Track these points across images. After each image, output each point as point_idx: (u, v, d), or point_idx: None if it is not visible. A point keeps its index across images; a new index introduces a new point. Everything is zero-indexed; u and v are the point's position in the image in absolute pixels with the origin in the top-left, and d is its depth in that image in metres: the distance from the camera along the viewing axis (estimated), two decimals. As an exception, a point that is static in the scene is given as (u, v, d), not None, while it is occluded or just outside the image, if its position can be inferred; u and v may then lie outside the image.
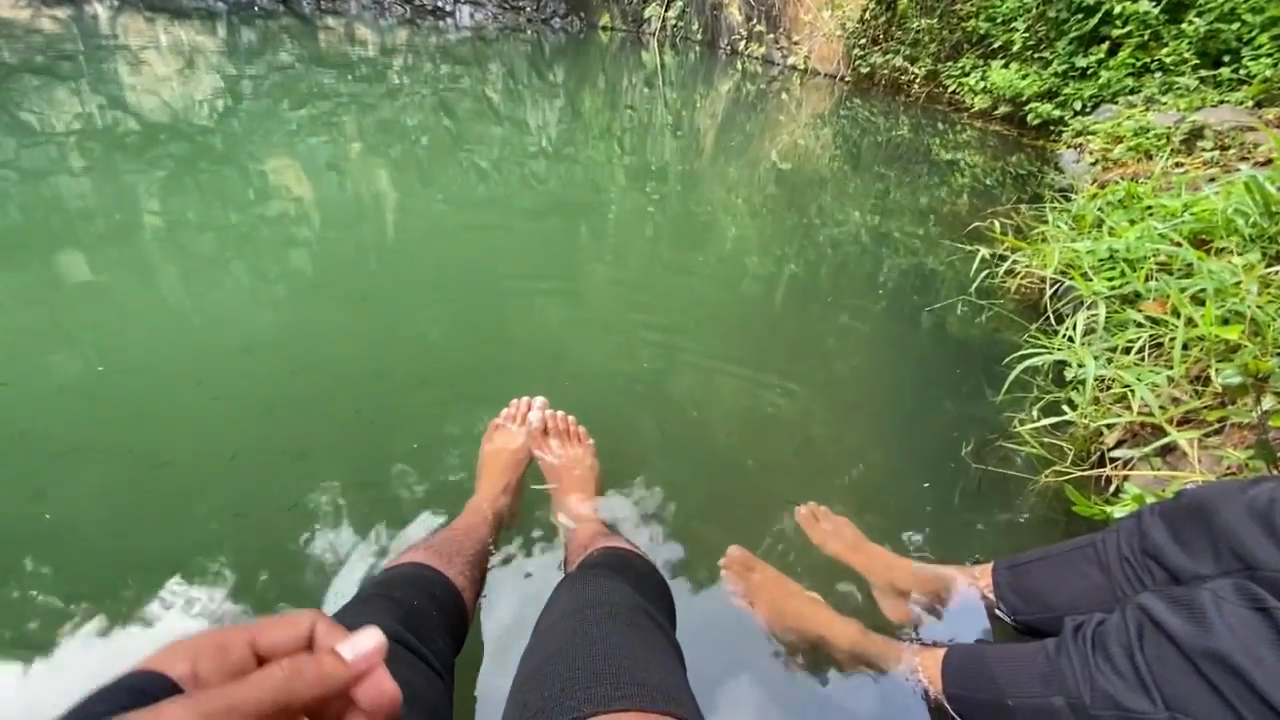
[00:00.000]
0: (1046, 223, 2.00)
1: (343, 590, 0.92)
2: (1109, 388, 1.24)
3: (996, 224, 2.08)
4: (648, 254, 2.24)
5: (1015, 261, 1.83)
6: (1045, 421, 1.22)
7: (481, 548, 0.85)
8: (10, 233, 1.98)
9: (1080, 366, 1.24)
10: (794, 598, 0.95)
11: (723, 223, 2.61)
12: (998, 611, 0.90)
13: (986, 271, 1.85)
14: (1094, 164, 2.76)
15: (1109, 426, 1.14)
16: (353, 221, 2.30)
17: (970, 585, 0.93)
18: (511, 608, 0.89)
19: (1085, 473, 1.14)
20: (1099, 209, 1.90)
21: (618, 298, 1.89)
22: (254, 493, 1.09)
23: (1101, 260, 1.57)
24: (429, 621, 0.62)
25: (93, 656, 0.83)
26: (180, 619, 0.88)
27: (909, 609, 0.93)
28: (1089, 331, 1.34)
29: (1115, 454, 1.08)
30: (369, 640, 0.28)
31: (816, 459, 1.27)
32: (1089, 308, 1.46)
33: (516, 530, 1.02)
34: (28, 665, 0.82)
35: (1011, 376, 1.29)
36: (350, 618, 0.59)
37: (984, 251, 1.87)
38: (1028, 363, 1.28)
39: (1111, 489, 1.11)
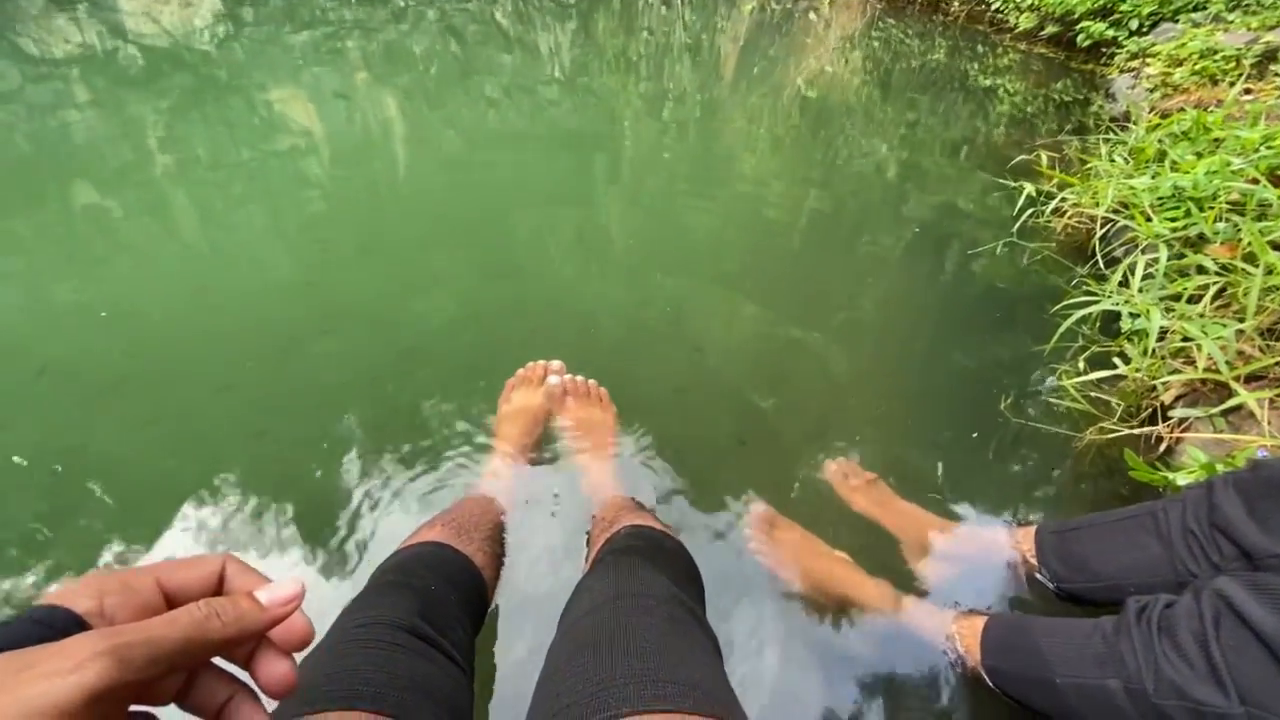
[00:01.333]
0: (1097, 156, 1.82)
1: (360, 529, 0.91)
2: (1162, 337, 1.14)
3: (1043, 156, 1.90)
4: (664, 189, 2.10)
5: (1064, 199, 1.68)
6: (1093, 375, 1.12)
7: (499, 519, 0.81)
8: (23, 170, 1.91)
9: (1136, 317, 1.13)
10: (821, 557, 0.90)
11: (744, 155, 2.44)
12: (1039, 576, 0.84)
13: (1033, 210, 1.70)
14: (1152, 90, 2.51)
15: (1164, 383, 1.05)
16: (362, 155, 2.18)
17: (1011, 548, 0.87)
18: (530, 581, 0.84)
19: (1134, 430, 1.06)
20: (1160, 141, 1.72)
21: (632, 235, 1.78)
22: (272, 429, 1.08)
23: (1163, 198, 1.42)
24: (448, 608, 0.58)
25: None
26: (203, 546, 0.89)
27: (943, 571, 0.88)
28: (1146, 278, 1.22)
29: (1174, 413, 0.99)
30: (287, 588, 0.27)
31: (842, 409, 1.20)
32: (1144, 251, 1.33)
33: (535, 498, 0.96)
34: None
35: (1064, 327, 1.19)
36: (368, 607, 0.54)
37: (1029, 188, 1.71)
38: (1082, 312, 1.17)
39: (1161, 448, 1.03)
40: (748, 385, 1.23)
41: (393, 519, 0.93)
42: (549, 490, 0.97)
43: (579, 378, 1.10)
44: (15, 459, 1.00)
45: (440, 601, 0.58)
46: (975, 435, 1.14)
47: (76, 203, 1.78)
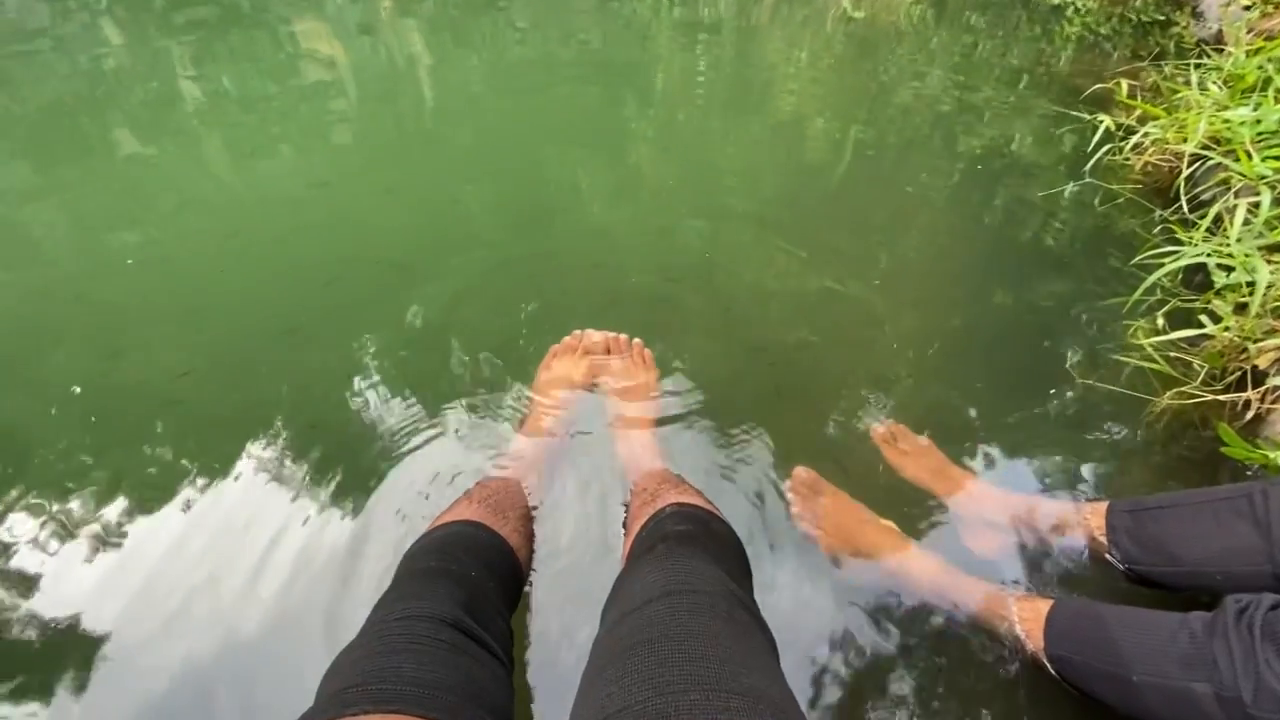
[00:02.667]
0: (1182, 85, 1.59)
1: (390, 473, 0.90)
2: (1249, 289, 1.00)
3: (1124, 84, 1.68)
4: (698, 122, 1.94)
5: (1145, 134, 1.48)
6: (1176, 335, 1.00)
7: (530, 496, 0.76)
8: (59, 110, 1.85)
9: (1230, 270, 0.99)
10: (867, 525, 0.84)
11: (783, 84, 2.23)
12: (1109, 557, 0.77)
13: (1110, 146, 1.51)
14: (1248, 8, 2.18)
15: (1260, 346, 0.92)
16: (388, 90, 2.06)
17: (1077, 525, 0.79)
18: (563, 556, 0.79)
19: (1219, 396, 0.94)
20: (1262, 66, 1.48)
21: (664, 171, 1.66)
22: (303, 365, 1.08)
23: (1267, 134, 1.23)
24: (489, 597, 0.54)
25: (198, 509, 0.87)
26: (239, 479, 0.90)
27: (1001, 546, 0.81)
28: (1244, 224, 1.06)
29: (1272, 380, 0.88)
30: None
31: (889, 364, 1.10)
32: (1240, 194, 1.16)
33: (570, 466, 0.90)
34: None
35: (1151, 279, 1.05)
36: (410, 598, 0.50)
37: (1107, 120, 1.51)
38: (1172, 265, 1.03)
39: (1249, 416, 0.91)
40: (784, 333, 1.14)
41: (417, 466, 0.91)
42: (585, 458, 0.91)
43: (622, 335, 1.03)
44: (75, 389, 1.03)
45: (481, 591, 0.53)
46: (1035, 396, 1.04)
47: (113, 145, 1.73)
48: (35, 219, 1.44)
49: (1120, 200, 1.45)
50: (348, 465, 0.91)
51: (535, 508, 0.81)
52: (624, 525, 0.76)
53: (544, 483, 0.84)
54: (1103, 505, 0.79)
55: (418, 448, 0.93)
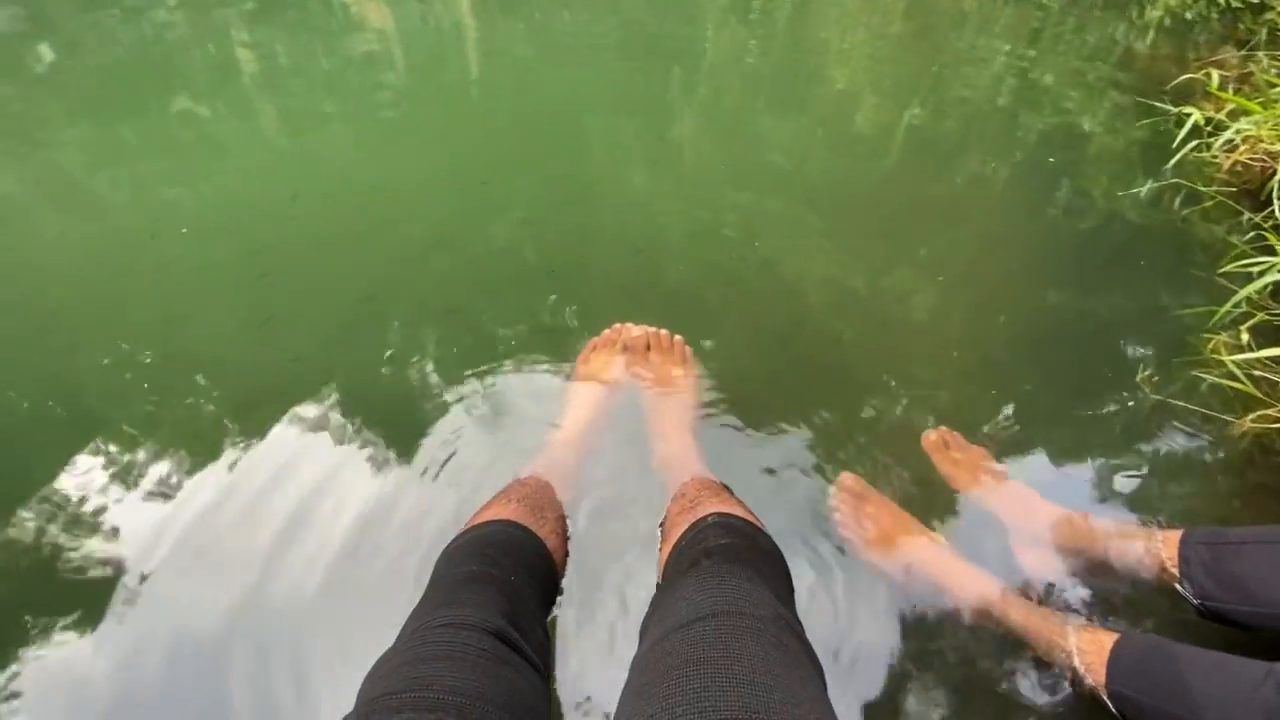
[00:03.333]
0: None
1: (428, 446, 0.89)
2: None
3: (1214, 74, 1.54)
4: (745, 100, 1.87)
5: (1237, 130, 1.36)
6: (1265, 353, 0.92)
7: (565, 496, 0.74)
8: (128, 81, 1.88)
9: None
10: (914, 538, 0.80)
11: (836, 64, 2.12)
12: (1179, 589, 0.71)
13: (1197, 142, 1.39)
14: (1360, -10, 1.97)
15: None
16: (435, 63, 2.04)
17: (1146, 553, 0.74)
18: (597, 561, 0.76)
19: (1310, 422, 0.86)
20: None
21: (708, 150, 1.60)
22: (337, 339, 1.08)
23: (1383, 133, 1.11)
24: (529, 604, 0.53)
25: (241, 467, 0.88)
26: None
27: (1060, 571, 0.76)
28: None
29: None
30: None
31: (941, 367, 1.04)
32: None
33: (605, 467, 0.87)
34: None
35: (1245, 292, 0.97)
36: (451, 604, 0.49)
37: (1196, 114, 1.39)
38: (1270, 278, 0.95)
39: (1342, 445, 0.84)
40: (829, 328, 1.09)
41: (466, 451, 0.90)
42: (620, 457, 0.88)
43: (663, 331, 0.99)
44: (123, 345, 1.05)
45: (522, 597, 0.52)
46: (1097, 408, 0.97)
47: (172, 108, 1.76)
48: (99, 178, 1.48)
49: (1206, 202, 1.33)
50: (392, 435, 0.91)
51: (567, 510, 0.79)
52: (660, 529, 0.74)
53: (579, 482, 0.82)
54: (1175, 534, 0.73)
55: (458, 428, 0.92)
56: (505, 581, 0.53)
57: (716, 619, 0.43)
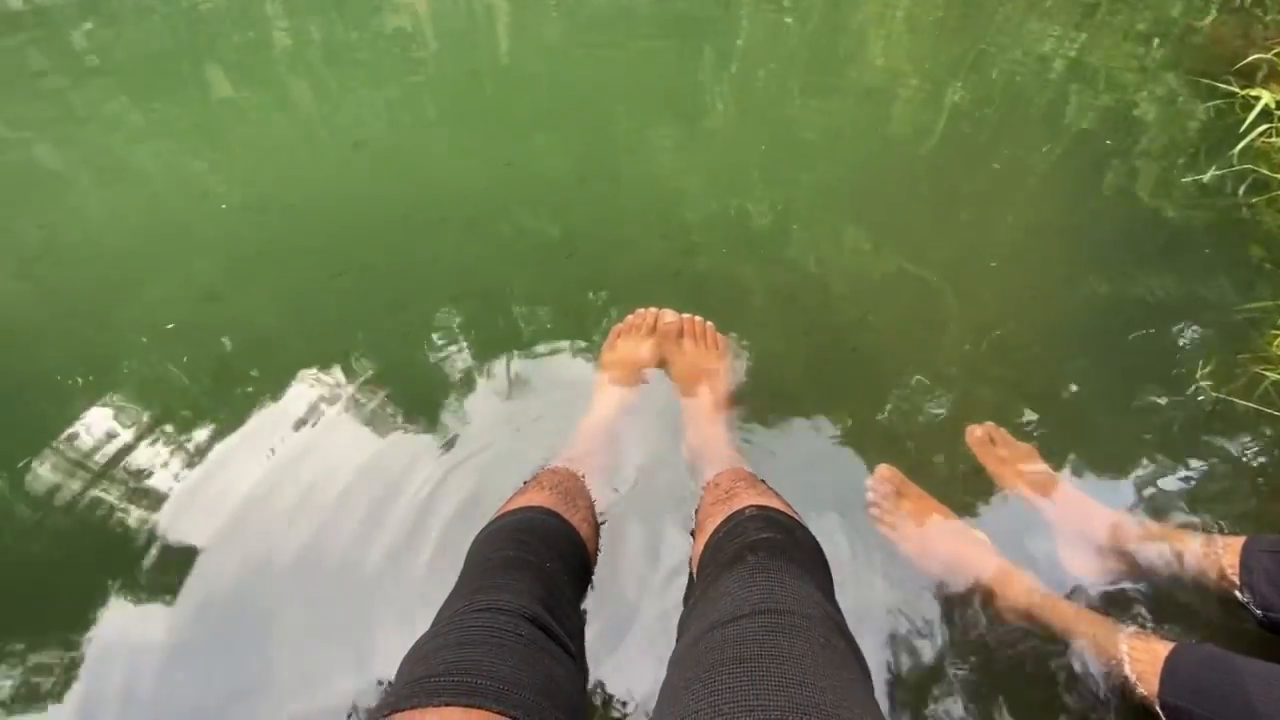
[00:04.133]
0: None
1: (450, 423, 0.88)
2: None
3: (1288, 55, 1.44)
4: (778, 81, 1.81)
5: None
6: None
7: (597, 487, 0.72)
8: (167, 58, 1.91)
9: None
10: (955, 536, 0.77)
11: (875, 44, 2.04)
12: (1239, 598, 0.67)
13: (1267, 127, 1.30)
14: None
15: None
16: (465, 40, 2.02)
17: (1204, 559, 0.70)
18: (628, 552, 0.75)
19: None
20: None
21: (740, 133, 1.56)
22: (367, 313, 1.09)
23: None
24: (564, 591, 0.52)
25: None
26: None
27: (1111, 575, 0.73)
28: None
29: None
30: None
31: (985, 359, 1.00)
32: None
33: (635, 453, 0.85)
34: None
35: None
36: (489, 589, 0.48)
37: (1267, 97, 1.30)
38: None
39: None
40: (865, 317, 1.06)
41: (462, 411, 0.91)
42: (651, 446, 0.86)
43: (697, 317, 0.96)
44: (168, 326, 1.06)
45: (558, 584, 0.51)
46: (1149, 404, 0.93)
47: (209, 87, 1.77)
48: (138, 153, 1.50)
49: (1276, 190, 1.25)
50: (419, 417, 0.92)
51: (597, 498, 0.78)
52: (695, 516, 0.72)
53: (609, 471, 0.80)
54: (1237, 541, 0.69)
55: (490, 415, 0.92)
56: (541, 568, 0.52)
57: (762, 616, 0.42)
